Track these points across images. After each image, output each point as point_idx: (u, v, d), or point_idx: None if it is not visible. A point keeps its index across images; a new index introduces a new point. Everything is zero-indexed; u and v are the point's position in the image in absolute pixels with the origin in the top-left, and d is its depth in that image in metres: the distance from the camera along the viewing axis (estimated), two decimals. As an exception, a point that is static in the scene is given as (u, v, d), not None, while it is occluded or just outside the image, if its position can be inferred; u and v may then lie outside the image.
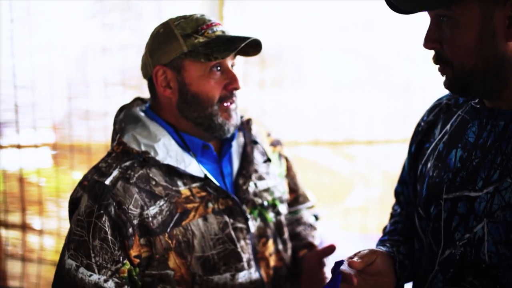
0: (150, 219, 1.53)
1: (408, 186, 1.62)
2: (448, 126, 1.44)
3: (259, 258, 1.70)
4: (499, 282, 1.24)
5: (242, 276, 1.64)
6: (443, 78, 1.32)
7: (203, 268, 1.59)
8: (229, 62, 1.64)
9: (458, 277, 1.30)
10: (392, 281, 1.43)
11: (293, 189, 1.95)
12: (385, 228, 1.69)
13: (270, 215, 1.76)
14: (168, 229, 1.55)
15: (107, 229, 1.49)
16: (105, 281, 1.48)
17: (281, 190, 1.83)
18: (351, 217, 3.52)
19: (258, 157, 1.79)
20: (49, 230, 3.37)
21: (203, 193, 1.61)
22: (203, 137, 1.67)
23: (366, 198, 3.55)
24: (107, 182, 1.52)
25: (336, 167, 3.53)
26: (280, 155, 1.91)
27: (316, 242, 1.89)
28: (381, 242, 1.58)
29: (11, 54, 3.23)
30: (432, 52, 1.31)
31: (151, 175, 1.56)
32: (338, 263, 1.35)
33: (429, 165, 1.44)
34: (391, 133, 3.47)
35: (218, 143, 1.73)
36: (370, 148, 3.51)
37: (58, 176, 3.33)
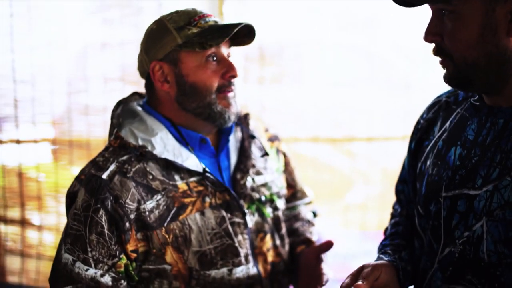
0: (147, 213, 1.53)
1: (408, 184, 1.61)
2: (447, 124, 1.44)
3: (257, 253, 1.70)
4: (497, 280, 1.24)
5: (240, 271, 1.64)
6: (444, 71, 1.31)
7: (200, 262, 1.59)
8: (224, 51, 1.64)
9: (457, 275, 1.30)
10: None
11: (291, 184, 1.95)
12: (386, 229, 1.68)
13: (268, 210, 1.76)
14: (165, 224, 1.55)
15: (103, 223, 1.49)
16: (102, 275, 1.48)
17: (279, 185, 1.83)
18: (351, 214, 3.53)
19: (255, 152, 1.78)
20: (48, 225, 3.37)
21: (200, 188, 1.61)
22: (203, 130, 1.67)
23: (366, 195, 3.55)
24: (104, 176, 1.52)
25: (335, 164, 3.53)
26: (277, 151, 1.91)
27: (314, 238, 1.88)
28: (382, 247, 1.57)
29: (10, 49, 3.24)
30: (432, 47, 1.31)
31: (148, 169, 1.56)
32: None
33: (428, 163, 1.44)
34: (391, 130, 3.47)
35: (215, 137, 1.73)
36: (370, 145, 3.51)
37: (58, 171, 3.34)
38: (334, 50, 3.44)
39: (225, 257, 1.61)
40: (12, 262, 3.42)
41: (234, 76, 1.63)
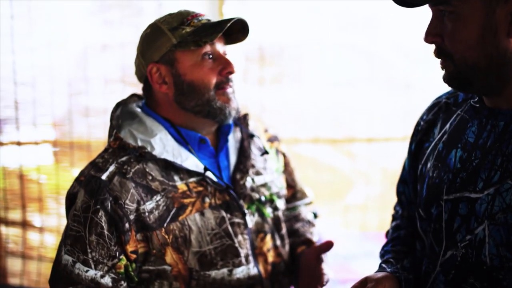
0: (147, 214, 1.53)
1: (408, 185, 1.61)
2: (447, 126, 1.43)
3: (257, 253, 1.70)
4: (500, 284, 1.23)
5: (240, 272, 1.64)
6: (443, 72, 1.31)
7: (200, 263, 1.59)
8: (220, 48, 1.64)
9: (460, 278, 1.30)
10: None
11: (291, 185, 1.95)
12: (387, 232, 1.68)
13: (268, 211, 1.76)
14: (165, 224, 1.55)
15: (103, 224, 1.49)
16: (102, 276, 1.49)
17: (279, 185, 1.84)
18: (351, 215, 3.53)
19: (255, 152, 1.79)
20: (50, 227, 3.38)
21: (200, 188, 1.61)
22: (203, 129, 1.67)
23: (366, 196, 3.55)
24: (104, 177, 1.53)
25: (336, 165, 3.53)
26: (277, 151, 1.91)
27: (315, 238, 1.88)
28: (385, 252, 1.57)
29: (11, 50, 3.24)
30: (432, 47, 1.31)
31: (147, 170, 1.57)
32: None
33: (429, 165, 1.43)
34: (391, 130, 3.48)
35: (214, 137, 1.73)
36: (370, 145, 3.51)
37: (58, 173, 3.34)
38: (334, 50, 3.45)
39: (225, 258, 1.62)
40: (13, 264, 3.42)
41: (231, 72, 1.64)
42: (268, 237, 1.74)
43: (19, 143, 3.36)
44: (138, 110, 1.68)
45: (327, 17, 3.38)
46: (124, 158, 1.57)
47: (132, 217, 1.51)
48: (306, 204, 2.00)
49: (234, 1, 3.28)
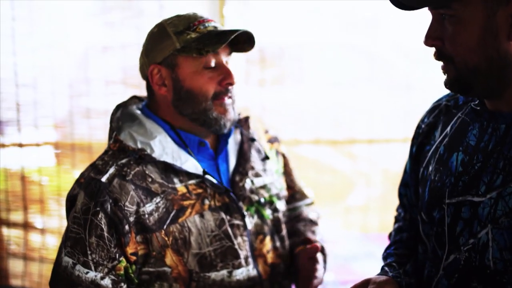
0: (146, 216, 1.54)
1: (410, 188, 1.61)
2: (448, 129, 1.43)
3: (256, 255, 1.71)
4: None
5: (240, 273, 1.65)
6: (445, 77, 1.30)
7: (200, 265, 1.60)
8: (223, 58, 1.64)
9: (463, 282, 1.29)
10: None
11: (291, 186, 1.95)
12: (390, 234, 1.68)
13: (267, 212, 1.77)
14: (165, 226, 1.56)
15: (103, 226, 1.50)
16: (102, 278, 1.49)
17: (278, 187, 1.84)
18: (352, 216, 3.53)
19: (255, 154, 1.79)
20: (51, 228, 3.38)
21: (200, 190, 1.62)
22: (200, 133, 1.67)
23: (367, 197, 3.55)
24: (104, 179, 1.53)
25: (337, 166, 3.53)
26: (277, 152, 1.92)
27: (317, 237, 1.88)
28: (387, 255, 1.56)
29: (12, 52, 3.24)
30: (433, 49, 1.30)
31: (147, 172, 1.57)
32: None
33: (430, 168, 1.43)
34: (392, 131, 3.47)
35: (214, 140, 1.73)
36: (371, 147, 3.51)
37: (60, 174, 3.34)
38: (334, 51, 3.45)
39: (225, 259, 1.62)
40: (15, 265, 3.42)
41: (231, 84, 1.63)
42: (268, 238, 1.75)
43: (20, 145, 3.36)
44: (138, 112, 1.68)
45: (328, 17, 3.38)
46: (124, 160, 1.57)
47: (132, 219, 1.52)
48: (307, 204, 2.00)
49: (235, 1, 3.28)
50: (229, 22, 3.15)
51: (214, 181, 1.63)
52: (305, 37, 3.39)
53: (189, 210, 1.60)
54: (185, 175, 1.61)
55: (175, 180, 1.60)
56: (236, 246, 1.64)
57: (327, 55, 3.44)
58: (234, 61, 1.68)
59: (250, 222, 1.71)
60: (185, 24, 1.62)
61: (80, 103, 3.29)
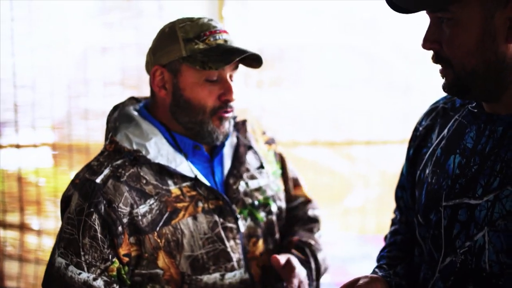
0: (140, 217, 1.54)
1: (407, 191, 1.60)
2: (445, 131, 1.43)
3: (249, 258, 1.70)
4: None
5: (232, 276, 1.65)
6: (443, 80, 1.30)
7: (192, 267, 1.60)
8: (227, 72, 1.63)
9: (459, 285, 1.29)
10: None
11: (289, 186, 1.94)
12: (386, 237, 1.68)
13: (261, 215, 1.76)
14: (158, 228, 1.56)
15: (96, 227, 1.50)
16: (94, 279, 1.50)
17: (275, 188, 1.83)
18: (350, 218, 3.53)
19: (251, 157, 1.80)
20: (47, 230, 3.38)
21: (193, 192, 1.62)
22: (195, 138, 1.67)
23: (365, 198, 3.55)
24: (98, 180, 1.53)
25: (335, 168, 3.53)
26: (275, 153, 1.92)
27: (315, 235, 1.86)
28: (380, 258, 1.58)
29: (11, 53, 3.24)
30: (431, 52, 1.30)
31: (142, 173, 1.58)
32: None
33: (427, 171, 1.43)
34: (390, 133, 3.47)
35: None
36: (369, 148, 3.51)
37: (57, 176, 3.34)
38: (333, 52, 3.45)
39: (217, 262, 1.62)
40: (11, 267, 3.42)
41: (230, 101, 1.63)
42: (261, 241, 1.74)
43: (18, 146, 3.36)
44: (135, 113, 1.68)
45: (326, 19, 3.38)
46: (119, 162, 1.58)
47: (125, 220, 1.52)
48: (305, 203, 1.98)
49: (234, 2, 3.28)
50: (228, 23, 3.15)
51: (208, 183, 1.64)
52: (304, 38, 3.40)
53: (182, 212, 1.60)
54: (180, 178, 1.62)
55: (170, 182, 1.60)
56: (229, 249, 1.64)
57: (326, 57, 3.44)
58: (236, 87, 1.66)
59: (243, 225, 1.70)
60: (196, 32, 1.61)
61: (78, 104, 3.29)
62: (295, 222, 1.92)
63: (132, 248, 1.54)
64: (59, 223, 1.62)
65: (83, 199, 1.52)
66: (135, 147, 1.59)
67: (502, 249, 1.21)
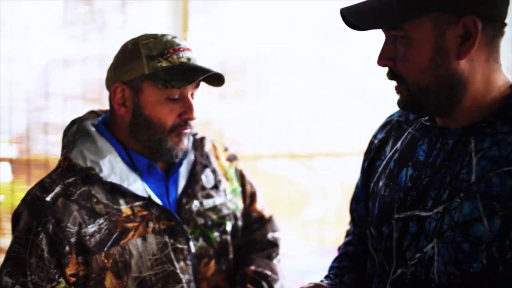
0: (88, 237, 1.52)
1: (361, 203, 1.62)
2: (398, 144, 1.45)
3: (200, 278, 1.70)
4: None
5: None
6: (398, 97, 1.33)
7: None
8: (189, 90, 1.62)
9: (409, 296, 1.31)
10: None
11: (249, 205, 1.94)
12: (339, 248, 1.70)
13: (215, 234, 1.75)
14: (105, 248, 1.54)
15: (44, 247, 1.48)
16: None
17: (232, 207, 1.83)
18: (309, 230, 3.54)
19: (208, 176, 1.79)
20: (5, 248, 3.30)
21: (145, 212, 1.61)
22: (151, 157, 1.66)
23: (324, 210, 3.57)
24: (48, 198, 1.52)
25: (295, 180, 3.54)
26: (236, 170, 1.91)
27: (274, 260, 1.85)
28: (330, 268, 1.60)
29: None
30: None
31: (93, 192, 1.56)
32: None
33: (380, 183, 1.45)
34: (350, 145, 3.50)
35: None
36: (329, 160, 3.53)
37: (14, 192, 3.29)
38: (296, 64, 3.47)
39: (166, 284, 1.61)
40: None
41: (190, 119, 1.63)
42: (213, 262, 1.73)
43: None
44: (93, 129, 1.66)
45: (289, 31, 3.40)
46: (70, 180, 1.56)
47: (73, 240, 1.50)
48: (264, 223, 1.97)
49: (198, 16, 3.29)
50: (192, 35, 3.16)
51: (160, 203, 1.62)
52: (266, 50, 3.41)
53: (132, 233, 1.58)
54: (132, 197, 1.60)
55: (121, 201, 1.58)
56: (178, 271, 1.63)
57: (288, 69, 3.46)
58: (197, 105, 1.66)
59: (194, 245, 1.69)
60: (160, 49, 1.60)
61: (38, 118, 3.25)
62: (252, 248, 1.88)
63: (80, 268, 1.52)
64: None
65: (32, 217, 1.50)
66: (88, 164, 1.57)
67: (450, 260, 1.23)
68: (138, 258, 1.57)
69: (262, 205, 1.99)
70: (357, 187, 1.66)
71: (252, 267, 1.78)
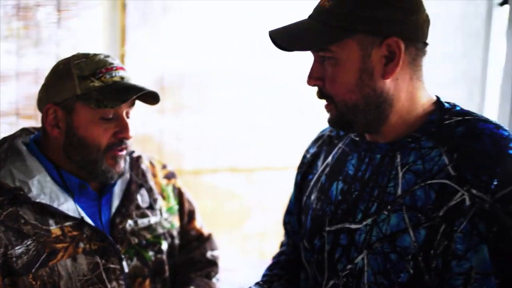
0: (14, 259, 1.48)
1: (294, 216, 1.65)
2: (329, 158, 1.49)
3: None
4: None
5: None
6: (328, 115, 1.36)
7: None
8: (123, 109, 1.60)
9: (342, 307, 1.33)
10: None
11: (187, 223, 1.93)
12: (273, 257, 1.73)
13: (150, 254, 1.74)
14: (33, 270, 1.50)
15: None
16: None
17: (167, 226, 1.81)
18: (250, 243, 3.55)
19: (143, 195, 1.77)
20: None
21: (75, 233, 1.57)
22: (85, 177, 1.63)
23: (264, 224, 3.59)
24: None
25: (235, 194, 3.55)
26: (174, 188, 1.90)
27: (213, 279, 1.86)
28: (262, 277, 1.63)
29: None
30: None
31: (21, 213, 1.51)
32: None
33: (312, 197, 1.48)
34: (290, 158, 3.53)
35: None
36: (269, 173, 3.55)
37: None
38: (235, 78, 3.49)
39: None
40: None
41: (126, 138, 1.61)
42: (148, 281, 1.72)
43: None
44: (24, 148, 1.62)
45: (228, 46, 3.42)
46: None
47: None
48: (203, 241, 1.97)
49: (135, 29, 3.27)
50: (130, 50, 3.15)
51: (92, 224, 1.59)
52: (206, 64, 3.42)
53: (61, 254, 1.54)
54: (62, 217, 1.56)
55: (51, 221, 1.54)
56: None
57: (227, 83, 3.47)
58: (132, 124, 1.63)
59: (128, 265, 1.67)
60: (92, 69, 1.57)
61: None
62: (191, 267, 1.88)
63: None
64: None
65: None
66: (17, 183, 1.53)
67: (379, 271, 1.27)
68: (67, 279, 1.54)
69: (201, 223, 1.99)
70: (290, 200, 1.69)
71: (192, 287, 1.78)
